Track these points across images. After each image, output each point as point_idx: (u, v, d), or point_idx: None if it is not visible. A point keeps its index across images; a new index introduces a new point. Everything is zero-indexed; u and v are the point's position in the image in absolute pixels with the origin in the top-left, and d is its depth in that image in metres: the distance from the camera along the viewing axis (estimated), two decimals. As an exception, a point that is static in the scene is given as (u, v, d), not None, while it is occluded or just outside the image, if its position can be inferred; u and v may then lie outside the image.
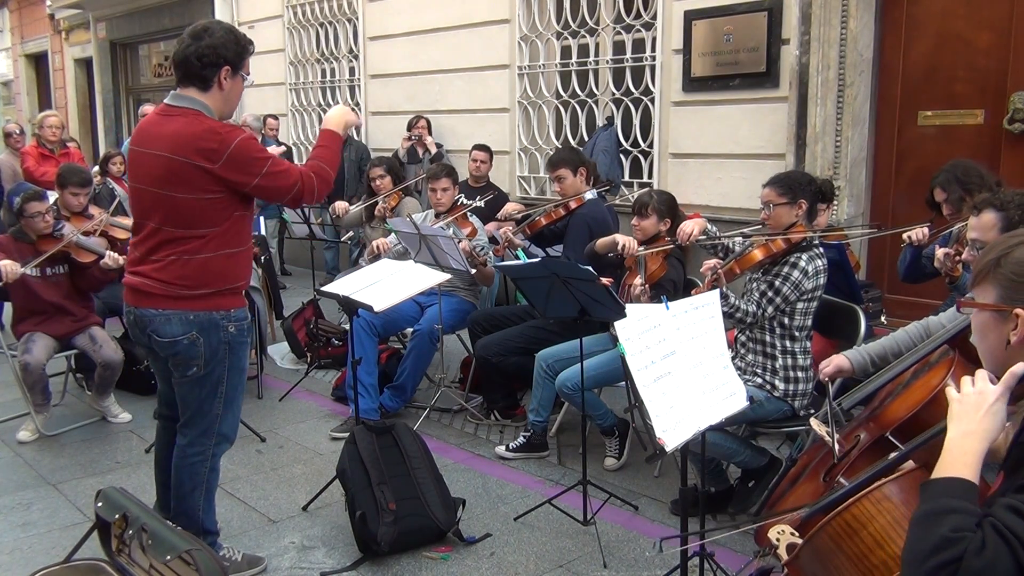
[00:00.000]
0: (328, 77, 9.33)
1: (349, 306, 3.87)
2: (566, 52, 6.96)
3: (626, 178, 6.56)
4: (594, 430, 4.15)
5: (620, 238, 4.03)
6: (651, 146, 6.38)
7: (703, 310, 2.70)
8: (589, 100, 6.82)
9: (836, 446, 2.31)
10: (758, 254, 3.43)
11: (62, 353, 4.76)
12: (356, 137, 8.74)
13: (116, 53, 13.73)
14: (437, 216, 5.21)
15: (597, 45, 6.76)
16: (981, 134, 5.07)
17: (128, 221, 4.69)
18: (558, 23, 6.94)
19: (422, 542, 3.33)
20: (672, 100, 6.14)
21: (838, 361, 2.87)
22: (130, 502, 2.13)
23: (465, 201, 5.71)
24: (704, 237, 3.81)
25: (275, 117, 9.33)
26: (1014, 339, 1.55)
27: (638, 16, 6.34)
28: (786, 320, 3.41)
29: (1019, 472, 1.46)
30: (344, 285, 3.90)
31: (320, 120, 9.42)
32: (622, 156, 6.54)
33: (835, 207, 5.26)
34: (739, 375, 2.80)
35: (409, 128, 7.64)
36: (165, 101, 2.90)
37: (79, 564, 2.14)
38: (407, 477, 3.42)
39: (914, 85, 5.31)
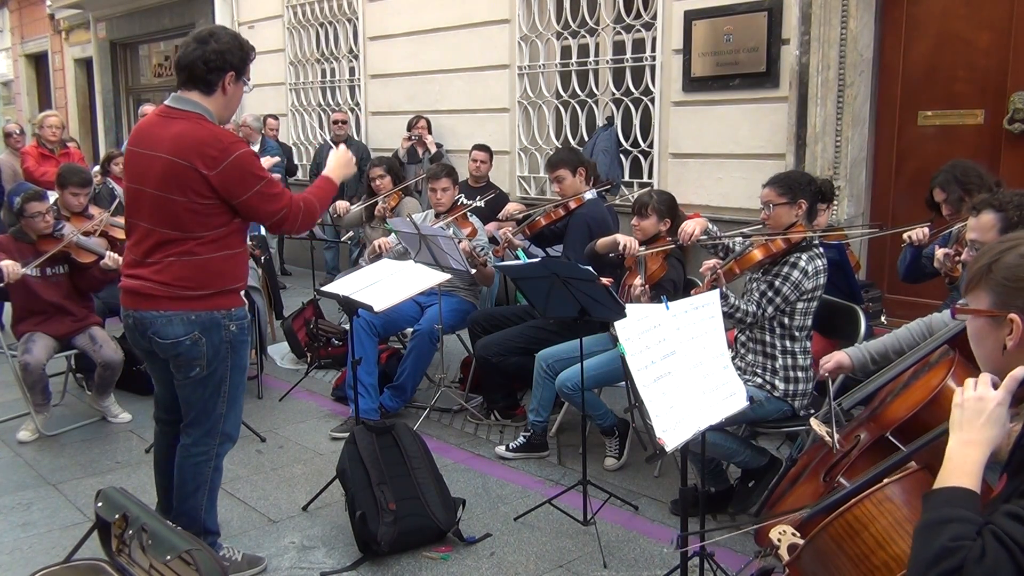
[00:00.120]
0: (328, 77, 9.33)
1: (349, 306, 3.87)
2: (566, 52, 6.96)
3: (626, 178, 6.56)
4: (594, 430, 4.15)
5: (621, 238, 4.03)
6: (651, 146, 6.38)
7: (703, 310, 2.70)
8: (589, 100, 6.82)
9: (836, 442, 2.31)
10: (758, 254, 3.43)
11: (62, 353, 4.76)
12: (356, 137, 8.74)
13: (116, 53, 13.73)
14: (437, 216, 5.21)
15: (597, 45, 6.76)
16: (981, 134, 5.07)
17: (128, 221, 4.68)
18: (558, 23, 6.94)
19: (422, 542, 3.33)
20: (672, 100, 6.14)
21: (839, 357, 2.89)
22: (130, 502, 2.13)
23: (465, 201, 5.71)
24: (705, 237, 3.81)
25: (275, 117, 9.32)
26: (1010, 344, 1.55)
27: (638, 16, 6.34)
28: (786, 320, 3.41)
29: (1022, 474, 1.46)
30: (344, 285, 3.90)
31: (320, 120, 9.43)
32: (622, 156, 6.54)
33: (835, 207, 5.26)
34: (739, 375, 2.80)
35: (409, 128, 7.64)
36: (166, 103, 2.90)
37: (79, 564, 2.14)
38: (407, 477, 3.42)
39: (914, 85, 5.31)
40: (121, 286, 2.96)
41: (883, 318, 4.69)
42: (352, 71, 9.03)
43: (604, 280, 3.47)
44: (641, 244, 4.04)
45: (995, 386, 1.53)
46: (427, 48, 7.95)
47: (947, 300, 3.76)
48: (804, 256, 3.38)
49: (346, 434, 4.00)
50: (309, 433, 4.69)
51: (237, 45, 2.87)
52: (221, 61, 2.82)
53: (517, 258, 4.84)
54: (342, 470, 3.45)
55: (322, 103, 9.45)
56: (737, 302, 3.36)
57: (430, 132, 7.63)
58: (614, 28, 6.53)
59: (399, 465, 3.45)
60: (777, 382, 3.42)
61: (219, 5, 10.38)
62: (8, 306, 4.94)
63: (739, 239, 3.68)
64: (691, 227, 3.81)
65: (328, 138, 8.74)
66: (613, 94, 6.60)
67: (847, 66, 5.27)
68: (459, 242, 4.65)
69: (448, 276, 4.17)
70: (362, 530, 3.25)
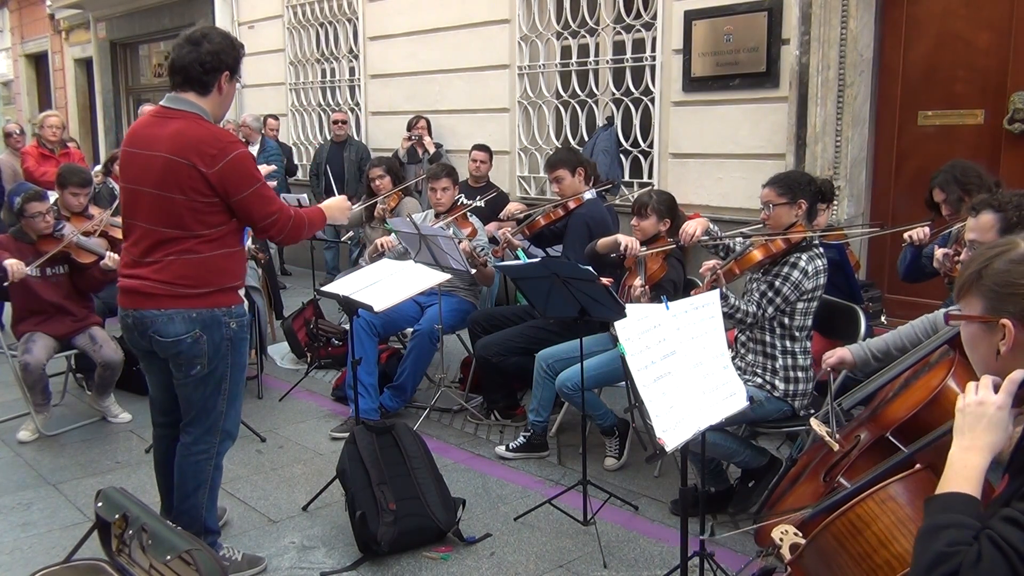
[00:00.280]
0: (328, 77, 9.33)
1: (349, 306, 3.87)
2: (566, 52, 6.96)
3: (626, 178, 6.56)
4: (594, 430, 4.15)
5: (622, 238, 4.03)
6: (651, 146, 6.38)
7: (703, 310, 2.70)
8: (589, 100, 6.82)
9: (835, 442, 2.31)
10: (758, 254, 3.43)
11: (62, 353, 4.76)
12: (356, 137, 8.74)
13: (116, 53, 13.74)
14: (437, 216, 5.21)
15: (597, 45, 6.76)
16: (981, 134, 5.07)
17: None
18: (558, 23, 6.94)
19: (422, 542, 3.33)
20: (672, 100, 6.15)
21: (841, 353, 2.93)
22: (130, 502, 2.13)
23: (465, 201, 5.71)
24: (706, 237, 3.81)
25: (275, 117, 9.33)
26: (1003, 349, 1.55)
27: (638, 16, 6.34)
28: (786, 320, 3.41)
29: (1023, 476, 1.46)
30: (344, 285, 3.90)
31: (320, 120, 9.44)
32: (622, 156, 6.54)
33: (835, 207, 5.26)
34: (739, 375, 2.80)
35: (409, 128, 7.64)
36: (161, 104, 2.92)
37: (79, 564, 2.14)
38: (407, 477, 3.42)
39: (914, 85, 5.31)
40: (120, 286, 2.96)
41: (883, 318, 4.69)
42: (352, 71, 9.03)
43: (604, 280, 3.47)
44: (642, 244, 4.04)
45: (997, 387, 1.53)
46: (427, 48, 7.95)
47: (947, 300, 3.76)
48: (804, 256, 3.38)
49: (346, 434, 4.00)
50: (309, 433, 4.69)
51: (229, 44, 2.90)
52: (216, 62, 2.85)
53: (517, 258, 4.83)
54: (342, 470, 3.45)
55: (322, 103, 9.45)
56: (737, 302, 3.36)
57: (430, 132, 7.63)
58: (614, 28, 6.53)
59: (399, 465, 3.45)
60: (777, 382, 3.42)
61: (219, 5, 10.39)
62: (8, 306, 4.95)
63: (740, 239, 3.68)
64: (692, 227, 3.81)
65: (328, 138, 8.74)
66: (613, 94, 6.60)
67: (847, 66, 5.28)
68: (459, 242, 4.65)
69: (448, 276, 4.17)
70: (362, 530, 3.25)
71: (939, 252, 3.68)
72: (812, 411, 3.33)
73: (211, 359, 2.92)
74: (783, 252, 3.42)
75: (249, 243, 5.13)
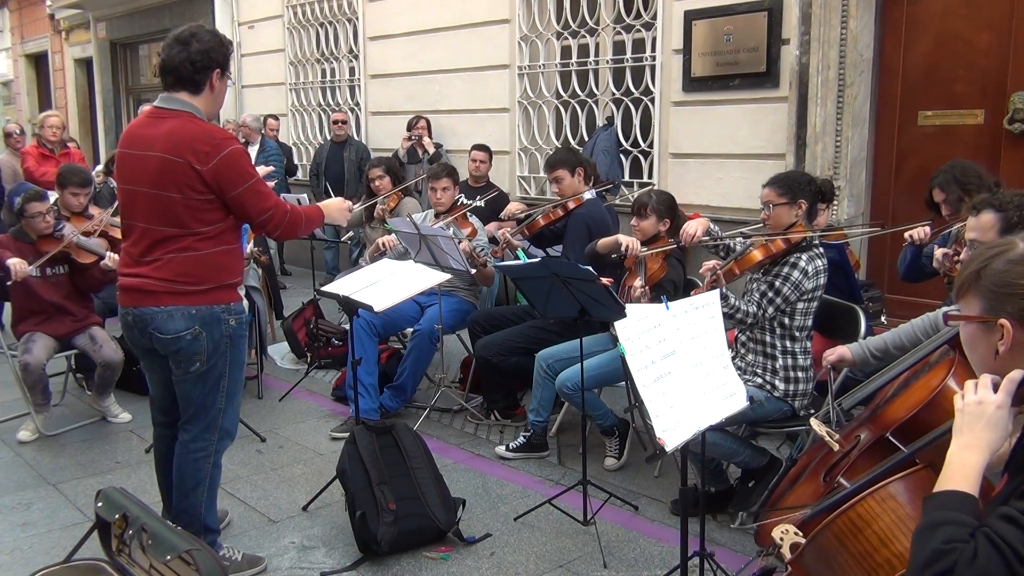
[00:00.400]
0: (328, 77, 9.33)
1: (349, 306, 3.87)
2: (566, 52, 6.96)
3: (626, 178, 6.56)
4: (594, 430, 4.15)
5: (623, 238, 4.03)
6: (651, 146, 6.38)
7: (703, 310, 2.70)
8: (589, 100, 6.82)
9: (835, 442, 2.31)
10: (758, 254, 3.43)
11: (62, 353, 4.76)
12: (356, 137, 8.74)
13: (116, 53, 13.74)
14: (437, 216, 5.21)
15: (597, 45, 6.76)
16: (981, 134, 5.07)
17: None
18: (558, 23, 6.94)
19: (422, 542, 3.33)
20: (672, 100, 6.15)
21: (841, 350, 2.96)
22: (130, 502, 2.13)
23: (465, 201, 5.71)
24: (707, 238, 3.81)
25: (275, 117, 9.33)
26: (1002, 349, 1.55)
27: (638, 16, 6.34)
28: (786, 320, 3.41)
29: (1022, 475, 1.46)
30: (344, 285, 3.90)
31: (320, 120, 9.43)
32: (622, 156, 6.54)
33: (835, 207, 5.26)
34: (739, 375, 2.80)
35: (409, 128, 7.64)
36: (155, 104, 2.94)
37: (79, 564, 2.14)
38: (407, 477, 3.42)
39: (914, 85, 5.32)
40: (120, 285, 2.97)
41: (883, 318, 4.70)
42: (352, 71, 9.03)
43: (604, 280, 3.47)
44: (642, 245, 4.03)
45: (996, 386, 1.53)
46: (427, 48, 7.95)
47: (947, 300, 3.76)
48: (804, 256, 3.38)
49: (346, 434, 4.00)
50: (309, 433, 4.69)
51: (218, 42, 2.93)
52: (207, 60, 2.88)
53: (517, 258, 4.84)
54: (342, 470, 3.45)
55: (322, 103, 9.45)
56: (737, 303, 3.35)
57: (430, 132, 7.63)
58: (614, 28, 6.53)
59: (399, 465, 3.45)
60: (777, 382, 3.42)
61: (219, 5, 10.39)
62: (8, 306, 4.95)
63: (740, 240, 3.68)
64: (693, 228, 3.80)
65: (328, 138, 8.74)
66: (613, 94, 6.60)
67: (847, 66, 5.28)
68: (459, 242, 4.65)
69: (448, 276, 4.17)
70: (362, 530, 3.25)
71: (939, 252, 3.69)
72: (812, 411, 3.33)
73: (210, 356, 2.94)
74: (783, 252, 3.42)
75: (251, 246, 5.14)
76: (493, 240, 5.31)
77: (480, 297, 5.26)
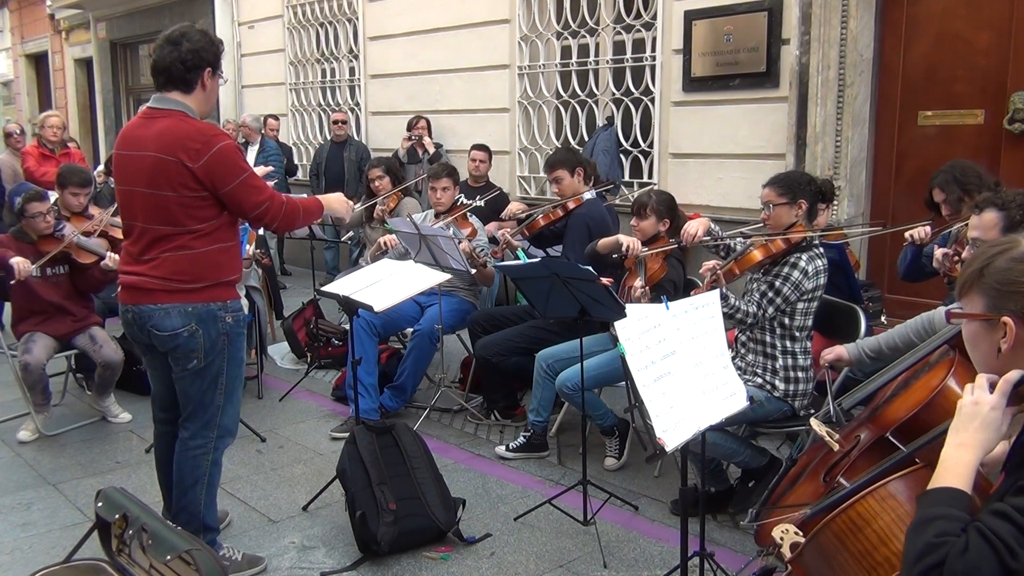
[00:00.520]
0: (328, 77, 9.33)
1: (349, 306, 3.87)
2: (566, 52, 6.96)
3: (626, 178, 6.56)
4: (594, 430, 4.15)
5: (624, 239, 4.03)
6: (651, 146, 6.38)
7: (703, 310, 2.70)
8: (589, 100, 6.82)
9: (836, 431, 2.30)
10: (758, 254, 3.43)
11: (62, 353, 4.76)
12: (356, 137, 8.74)
13: (116, 53, 13.73)
14: (437, 216, 5.21)
15: (597, 45, 6.76)
16: (981, 134, 5.07)
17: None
18: (558, 23, 6.94)
19: (422, 542, 3.34)
20: (672, 100, 6.15)
21: (838, 350, 2.99)
22: (130, 502, 2.13)
23: (465, 201, 5.71)
24: (708, 238, 3.81)
25: (275, 117, 9.33)
26: (1004, 347, 1.56)
27: (638, 16, 6.34)
28: (786, 320, 3.41)
29: (1019, 472, 1.46)
30: (344, 285, 3.90)
31: (320, 120, 9.43)
32: (622, 156, 6.54)
33: (835, 207, 5.26)
34: (739, 375, 2.80)
35: (409, 128, 7.64)
36: (148, 105, 2.97)
37: (79, 564, 2.14)
38: (407, 477, 3.42)
39: (914, 85, 5.31)
40: (120, 282, 3.02)
41: (883, 318, 4.70)
42: (352, 71, 9.03)
43: (604, 280, 3.47)
44: (642, 245, 4.03)
45: (994, 386, 1.54)
46: (427, 48, 7.95)
47: (946, 300, 3.76)
48: (804, 256, 3.38)
49: (346, 434, 4.00)
50: (309, 433, 4.69)
51: (208, 41, 2.95)
52: (197, 59, 2.91)
53: (517, 258, 4.84)
54: (342, 470, 3.45)
55: (322, 103, 9.45)
56: (737, 303, 3.35)
57: (430, 132, 7.63)
58: (614, 28, 6.53)
59: (399, 465, 3.45)
60: (777, 382, 3.42)
61: (219, 5, 10.38)
62: (8, 306, 4.95)
63: (741, 239, 3.68)
64: (694, 228, 3.80)
65: (328, 138, 8.74)
66: (613, 94, 6.60)
67: (847, 66, 5.28)
68: (459, 242, 4.65)
69: (448, 276, 4.17)
70: (362, 530, 3.25)
71: (939, 252, 3.69)
72: (812, 411, 3.33)
73: (207, 353, 2.96)
74: (783, 252, 3.42)
75: (252, 248, 5.14)
76: (493, 240, 5.31)
77: (480, 297, 5.26)
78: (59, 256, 4.58)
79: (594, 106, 6.81)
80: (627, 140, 6.51)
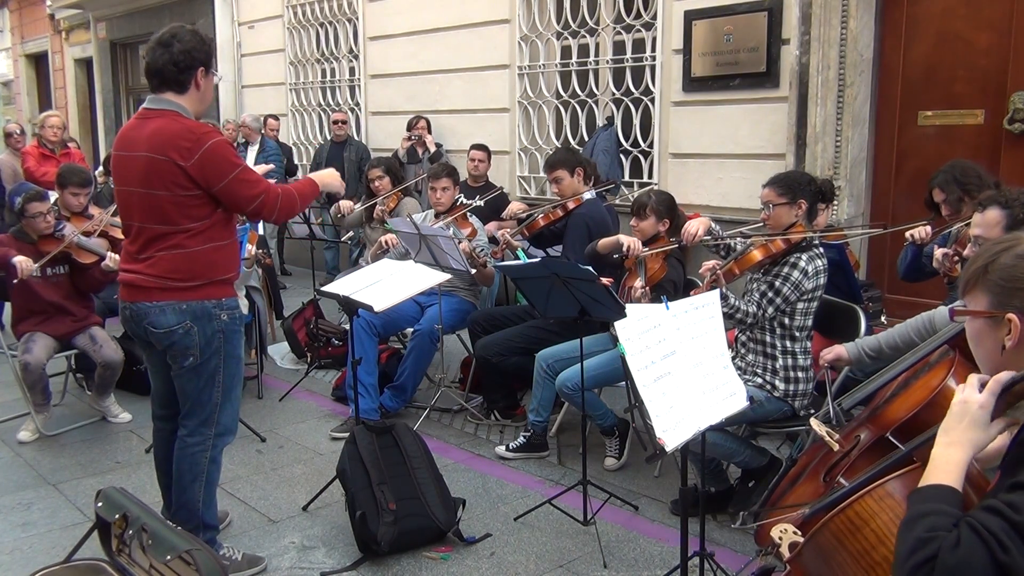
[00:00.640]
0: (328, 77, 9.33)
1: (349, 306, 3.87)
2: (566, 52, 6.96)
3: (626, 178, 6.56)
4: (594, 430, 4.15)
5: (624, 239, 4.02)
6: (651, 146, 6.38)
7: (703, 310, 2.70)
8: (589, 100, 6.82)
9: (836, 431, 2.30)
10: (757, 254, 3.43)
11: (62, 353, 4.76)
12: (356, 137, 8.74)
13: (116, 53, 13.73)
14: (437, 216, 5.21)
15: (597, 45, 6.76)
16: (981, 134, 5.07)
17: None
18: (558, 23, 6.94)
19: (422, 542, 3.34)
20: (672, 100, 6.15)
21: (838, 350, 2.99)
22: (130, 502, 2.13)
23: (465, 201, 5.71)
24: (708, 237, 3.81)
25: (275, 117, 9.33)
26: (1009, 344, 1.56)
27: (638, 16, 6.34)
28: (786, 320, 3.41)
29: (1014, 470, 1.47)
30: (344, 285, 3.90)
31: (320, 120, 9.43)
32: (622, 156, 6.54)
33: (835, 207, 5.26)
34: (739, 375, 2.80)
35: (409, 128, 7.64)
36: (143, 106, 3.00)
37: (79, 564, 2.14)
38: (407, 477, 3.42)
39: (914, 85, 5.31)
40: (119, 280, 3.07)
41: (883, 318, 4.69)
42: (352, 71, 9.03)
43: (604, 280, 3.47)
44: (643, 245, 4.03)
45: (983, 385, 1.55)
46: (427, 48, 7.96)
47: (946, 300, 3.76)
48: (804, 256, 3.38)
49: (346, 434, 4.00)
50: (309, 433, 4.69)
51: (199, 41, 2.98)
52: (189, 60, 2.93)
53: (517, 258, 4.84)
54: (342, 470, 3.45)
55: (322, 103, 9.45)
56: (737, 302, 3.35)
57: (430, 132, 7.63)
58: (614, 28, 6.53)
59: (399, 465, 3.45)
60: (777, 382, 3.42)
61: (219, 5, 10.38)
62: (8, 306, 4.95)
63: (741, 239, 3.68)
64: (694, 227, 3.80)
65: (328, 138, 8.74)
66: (613, 94, 6.60)
67: (847, 66, 5.28)
68: (459, 242, 4.65)
69: (448, 276, 4.17)
70: (362, 530, 3.25)
71: (939, 252, 3.69)
72: (812, 411, 3.33)
73: (203, 350, 2.99)
74: (783, 252, 3.42)
75: (253, 248, 5.14)
76: (493, 240, 5.31)
77: (480, 297, 5.26)
78: (59, 256, 4.58)
79: (594, 106, 6.81)
80: (627, 140, 6.51)
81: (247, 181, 2.92)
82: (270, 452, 4.43)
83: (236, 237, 3.13)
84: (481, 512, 3.69)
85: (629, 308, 2.65)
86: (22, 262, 4.36)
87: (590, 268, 3.45)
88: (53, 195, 5.28)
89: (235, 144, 8.65)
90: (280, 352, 6.13)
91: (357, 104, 8.97)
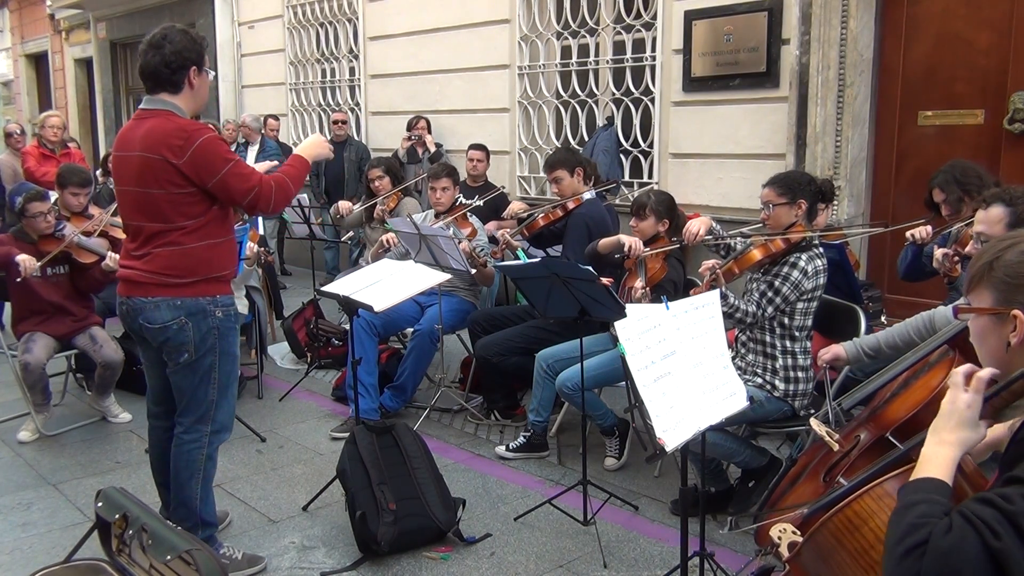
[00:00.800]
0: (328, 77, 9.33)
1: (349, 306, 3.87)
2: (566, 52, 6.96)
3: (626, 178, 6.56)
4: (594, 430, 4.15)
5: (625, 239, 4.02)
6: (651, 146, 6.38)
7: (703, 310, 2.70)
8: (589, 100, 6.82)
9: (835, 431, 2.30)
10: (757, 254, 3.43)
11: (62, 353, 4.76)
12: (356, 137, 8.74)
13: (116, 53, 13.74)
14: (437, 216, 5.21)
15: (597, 45, 6.76)
16: (981, 134, 5.07)
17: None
18: (558, 23, 6.94)
19: (422, 542, 3.34)
20: (672, 100, 6.15)
21: (836, 349, 2.98)
22: (130, 502, 2.13)
23: (465, 201, 5.71)
24: (710, 237, 3.81)
25: (275, 117, 9.33)
26: (1014, 340, 1.55)
27: (638, 16, 6.34)
28: (786, 320, 3.41)
29: (1012, 468, 1.47)
30: (344, 285, 3.91)
31: (320, 121, 9.43)
32: (622, 156, 6.54)
33: (835, 207, 5.26)
34: (739, 375, 2.80)
35: (409, 128, 7.64)
36: (140, 107, 3.04)
37: (79, 564, 2.14)
38: (407, 477, 3.42)
39: (914, 85, 5.32)
40: (117, 276, 3.12)
41: (883, 318, 4.69)
42: (352, 71, 9.03)
43: (604, 280, 3.47)
44: (644, 245, 4.03)
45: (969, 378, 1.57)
46: (427, 48, 7.96)
47: (946, 300, 3.76)
48: (804, 256, 3.38)
49: (346, 434, 4.00)
50: (309, 433, 4.69)
51: (190, 40, 3.00)
52: (181, 60, 2.96)
53: (517, 258, 4.84)
54: (342, 470, 3.45)
55: (322, 103, 9.45)
56: (737, 302, 3.35)
57: (430, 132, 7.63)
58: (614, 28, 6.53)
59: (399, 465, 3.45)
60: (777, 382, 3.42)
61: (219, 5, 10.38)
62: (8, 306, 4.95)
63: (741, 239, 3.68)
64: (696, 227, 3.80)
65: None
66: (613, 94, 6.60)
67: (847, 66, 5.28)
68: (459, 242, 4.65)
69: (448, 276, 4.17)
70: (362, 530, 3.25)
71: (939, 252, 3.69)
72: (812, 411, 3.33)
73: (198, 347, 3.01)
74: (783, 252, 3.42)
75: (255, 246, 5.14)
76: (493, 240, 5.31)
77: (480, 297, 5.26)
78: (60, 256, 4.58)
79: (594, 106, 6.81)
80: (627, 140, 6.51)
81: (240, 175, 2.94)
82: (270, 452, 4.43)
83: (233, 235, 3.16)
84: (481, 512, 3.69)
85: (629, 308, 2.65)
86: (25, 260, 4.37)
87: (590, 268, 3.45)
88: (53, 195, 5.28)
89: (235, 144, 8.65)
90: (280, 352, 6.13)
91: (357, 104, 8.97)
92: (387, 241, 5.16)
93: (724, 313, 3.02)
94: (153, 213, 2.92)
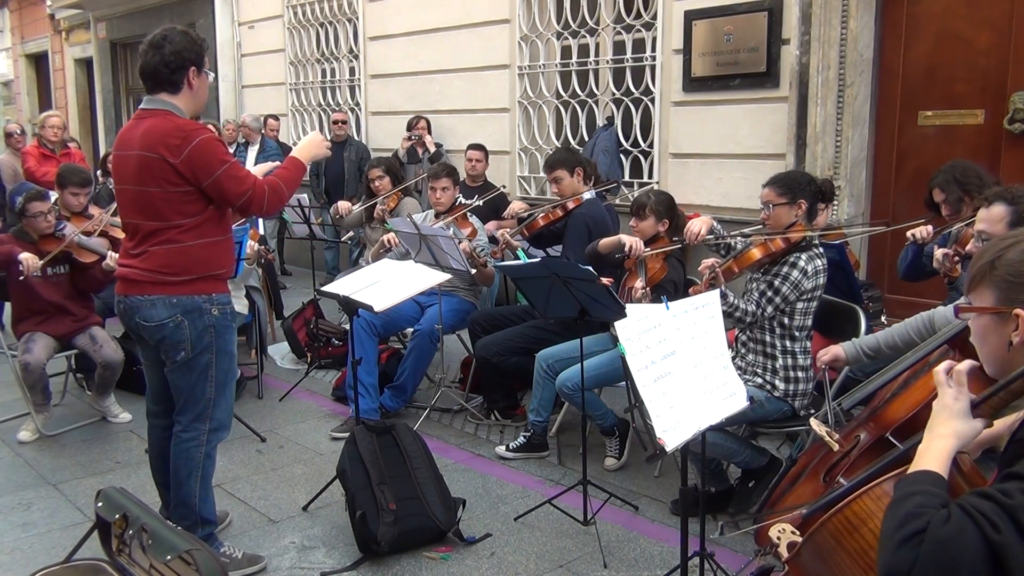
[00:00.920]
0: (328, 77, 9.33)
1: (349, 306, 3.87)
2: (566, 52, 6.96)
3: (626, 178, 6.56)
4: (594, 430, 4.15)
5: (626, 239, 4.02)
6: (651, 146, 6.38)
7: (703, 310, 2.70)
8: (589, 100, 6.82)
9: (835, 431, 2.31)
10: (757, 253, 3.43)
11: (62, 353, 4.76)
12: (356, 137, 8.74)
13: (116, 53, 13.74)
14: (437, 216, 5.21)
15: (597, 45, 6.76)
16: (981, 134, 5.07)
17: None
18: (558, 23, 6.94)
19: (422, 542, 3.34)
20: (672, 100, 6.15)
21: (835, 350, 2.97)
22: (130, 502, 2.13)
23: (464, 201, 5.71)
24: (711, 236, 3.81)
25: (275, 117, 9.32)
26: (1016, 339, 1.55)
27: (638, 16, 6.34)
28: (786, 320, 3.41)
29: (1011, 466, 1.47)
30: (344, 285, 3.91)
31: (320, 121, 9.43)
32: (622, 156, 6.54)
33: (835, 207, 5.26)
34: (739, 375, 2.80)
35: (409, 128, 7.64)
36: (140, 107, 3.06)
37: (79, 564, 2.14)
38: (407, 477, 3.42)
39: (914, 85, 5.32)
40: (116, 274, 3.14)
41: (883, 318, 4.69)
42: (352, 71, 9.03)
43: (604, 280, 3.47)
44: (644, 245, 4.03)
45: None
46: (427, 48, 7.96)
47: (946, 300, 3.76)
48: (804, 256, 3.38)
49: (346, 434, 4.00)
50: (309, 433, 4.69)
51: (190, 41, 3.02)
52: (180, 60, 2.98)
53: (517, 258, 4.84)
54: (342, 470, 3.45)
55: (322, 103, 9.45)
56: (736, 301, 3.36)
57: (430, 132, 7.63)
58: (614, 28, 6.53)
59: (399, 465, 3.45)
60: (777, 382, 3.42)
61: (219, 5, 10.38)
62: (8, 306, 4.95)
63: (742, 239, 3.68)
64: (697, 227, 3.80)
65: (328, 138, 8.72)
66: (613, 94, 6.60)
67: (847, 66, 5.28)
68: (459, 242, 4.65)
69: (448, 276, 4.17)
70: (362, 530, 3.25)
71: (939, 252, 3.69)
72: (812, 411, 3.33)
73: (194, 345, 3.02)
74: (783, 252, 3.42)
75: (255, 245, 5.14)
76: (493, 240, 5.31)
77: (480, 297, 5.26)
78: (60, 256, 4.58)
79: (594, 106, 6.81)
80: (627, 140, 6.51)
81: (235, 177, 2.95)
82: (270, 452, 4.43)
83: (230, 234, 3.18)
84: (481, 512, 3.69)
85: (629, 308, 2.65)
86: (28, 258, 4.38)
87: (590, 268, 3.45)
88: (53, 195, 5.28)
89: (235, 144, 8.65)
90: (280, 352, 6.13)
91: (357, 104, 8.97)
92: (388, 241, 5.17)
93: (724, 312, 3.02)
94: (150, 211, 2.94)
